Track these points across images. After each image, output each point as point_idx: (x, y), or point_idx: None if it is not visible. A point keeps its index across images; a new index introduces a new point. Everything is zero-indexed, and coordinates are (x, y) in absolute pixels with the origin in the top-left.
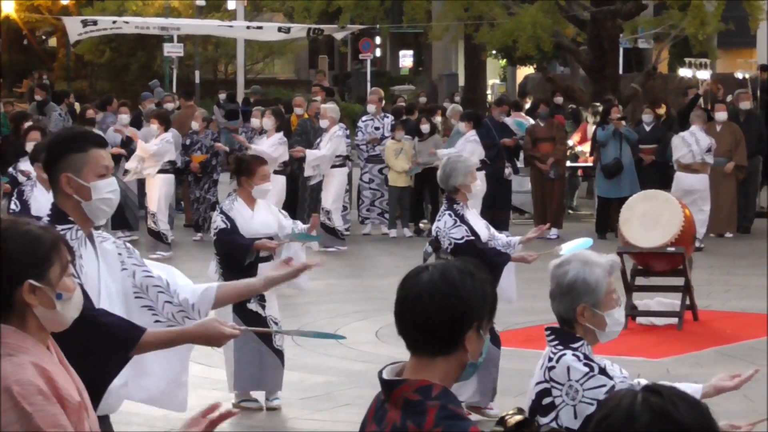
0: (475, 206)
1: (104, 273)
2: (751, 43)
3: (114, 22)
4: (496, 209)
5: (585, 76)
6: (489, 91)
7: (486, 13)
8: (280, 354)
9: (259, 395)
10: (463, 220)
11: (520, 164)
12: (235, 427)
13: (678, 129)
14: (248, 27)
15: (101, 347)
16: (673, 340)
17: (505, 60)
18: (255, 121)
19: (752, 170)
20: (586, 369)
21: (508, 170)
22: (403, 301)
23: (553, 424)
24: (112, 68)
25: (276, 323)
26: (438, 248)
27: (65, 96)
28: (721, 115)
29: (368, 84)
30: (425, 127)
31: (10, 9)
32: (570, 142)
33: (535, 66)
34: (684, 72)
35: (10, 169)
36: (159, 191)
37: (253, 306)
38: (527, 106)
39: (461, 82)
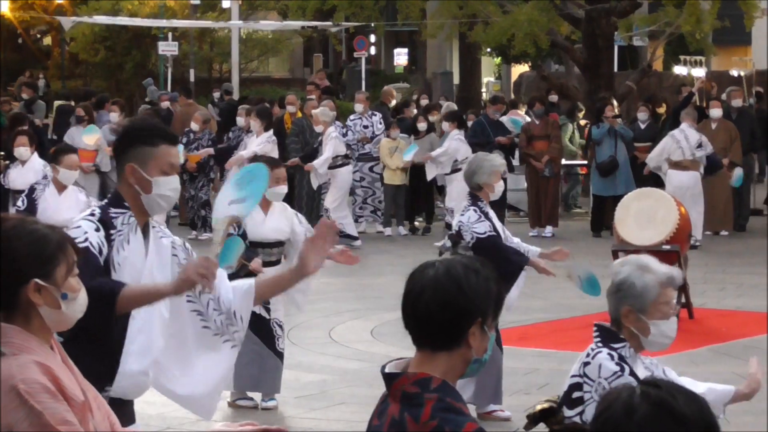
0: None
1: (154, 265)
2: (746, 40)
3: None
4: (492, 207)
5: (580, 74)
6: (484, 89)
7: (480, 12)
8: (281, 356)
9: (254, 394)
10: (487, 216)
11: (515, 162)
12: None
13: (671, 127)
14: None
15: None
16: None
17: (499, 58)
18: (240, 120)
19: (745, 168)
20: (617, 368)
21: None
22: (408, 295)
23: (577, 419)
24: (107, 67)
25: (281, 326)
26: (457, 243)
27: (105, 101)
28: (715, 113)
29: (363, 82)
30: (422, 125)
31: (4, 8)
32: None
33: (529, 64)
34: (679, 70)
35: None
36: None
37: (256, 309)
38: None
39: (456, 80)
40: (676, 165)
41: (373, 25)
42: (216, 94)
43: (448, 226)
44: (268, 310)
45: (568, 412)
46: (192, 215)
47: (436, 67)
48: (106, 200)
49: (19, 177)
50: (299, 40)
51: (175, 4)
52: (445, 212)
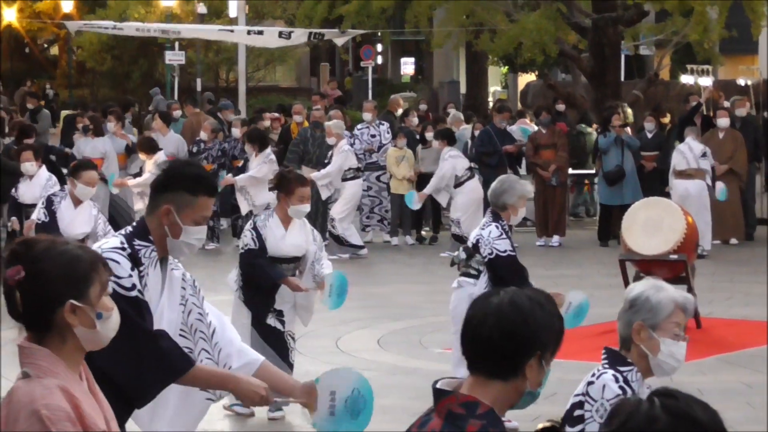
0: (478, 214)
1: (165, 299)
2: (753, 49)
3: (114, 27)
4: None
5: (586, 83)
6: (490, 98)
7: (487, 21)
8: (292, 368)
9: None
10: (507, 234)
11: (522, 171)
12: None
13: (677, 136)
14: (249, 32)
15: (152, 366)
16: None
17: (506, 67)
18: (235, 131)
19: (749, 177)
20: (619, 392)
21: None
22: (470, 321)
23: None
24: (114, 76)
25: (294, 339)
26: (472, 256)
27: (131, 105)
28: (723, 122)
29: (369, 91)
30: (429, 135)
31: (11, 17)
32: None
33: (536, 73)
34: (686, 79)
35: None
36: None
37: (271, 321)
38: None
39: (462, 89)
40: (681, 174)
41: (379, 34)
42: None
43: (455, 236)
44: (282, 323)
45: (569, 429)
46: None
47: (443, 76)
48: (131, 229)
49: (27, 191)
50: (305, 49)
51: (182, 12)
52: (451, 223)
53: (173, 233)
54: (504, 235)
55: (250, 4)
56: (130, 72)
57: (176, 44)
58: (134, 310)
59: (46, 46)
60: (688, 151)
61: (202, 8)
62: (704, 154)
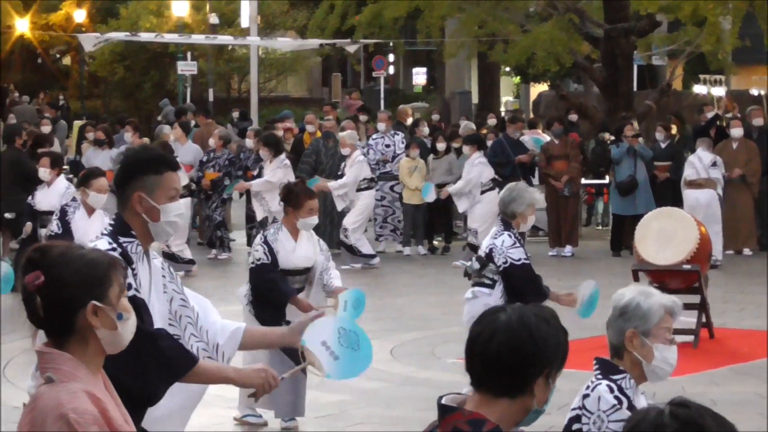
0: (489, 224)
1: (153, 294)
2: (766, 59)
3: (127, 35)
4: None
5: (599, 94)
6: (502, 109)
7: (500, 31)
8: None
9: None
10: (520, 243)
11: (535, 181)
12: None
13: (693, 147)
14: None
15: (154, 367)
16: (689, 358)
17: (518, 77)
18: (249, 142)
19: (764, 187)
20: (615, 402)
21: None
22: (477, 337)
23: None
24: (126, 87)
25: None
26: (485, 265)
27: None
28: (737, 132)
29: (381, 102)
30: (441, 146)
31: (24, 28)
32: None
33: (548, 83)
34: (698, 89)
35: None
36: None
37: None
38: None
39: (474, 99)
40: (691, 184)
41: (392, 44)
42: (235, 114)
43: (471, 246)
44: None
45: None
46: (210, 234)
47: (455, 87)
48: (110, 228)
49: (44, 198)
50: (317, 60)
51: (193, 22)
52: (467, 233)
53: (152, 217)
54: (517, 244)
55: (262, 15)
56: (142, 83)
57: (189, 55)
58: (134, 310)
59: (58, 56)
60: (698, 162)
61: (214, 18)
62: (714, 164)
